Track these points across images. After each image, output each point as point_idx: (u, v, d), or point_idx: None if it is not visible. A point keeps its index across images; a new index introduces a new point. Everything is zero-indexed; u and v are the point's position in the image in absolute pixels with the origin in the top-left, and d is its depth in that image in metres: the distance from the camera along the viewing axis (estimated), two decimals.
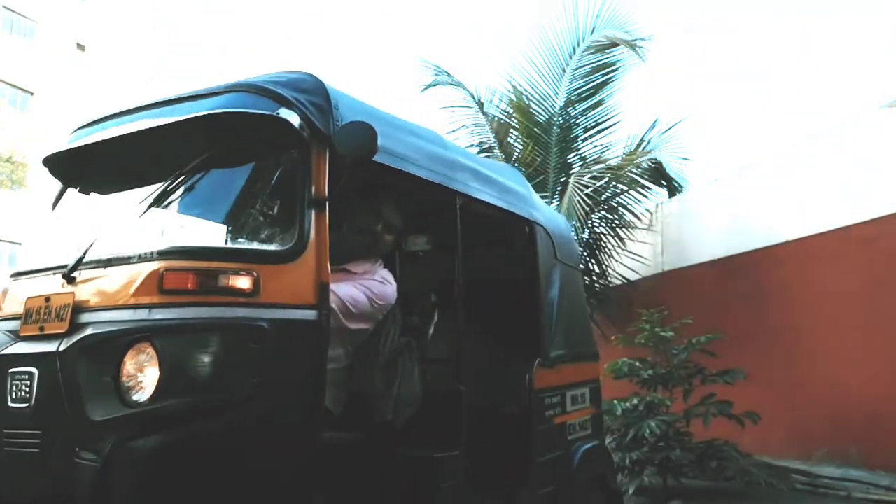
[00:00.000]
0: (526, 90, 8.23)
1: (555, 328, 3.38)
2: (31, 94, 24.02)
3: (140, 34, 28.07)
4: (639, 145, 7.69)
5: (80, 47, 26.17)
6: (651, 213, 8.05)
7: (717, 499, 5.44)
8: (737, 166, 7.57)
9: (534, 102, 8.24)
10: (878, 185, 5.88)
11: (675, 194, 8.01)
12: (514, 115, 8.37)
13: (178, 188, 2.25)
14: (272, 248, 2.14)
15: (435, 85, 8.45)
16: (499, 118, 8.50)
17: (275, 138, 2.23)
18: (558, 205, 7.47)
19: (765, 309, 6.67)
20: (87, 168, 2.66)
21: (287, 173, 2.27)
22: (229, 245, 2.24)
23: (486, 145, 8.42)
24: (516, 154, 8.22)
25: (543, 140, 8.08)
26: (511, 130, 8.42)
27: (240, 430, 1.91)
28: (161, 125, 2.31)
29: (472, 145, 8.27)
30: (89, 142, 2.50)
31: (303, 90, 2.27)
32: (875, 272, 5.84)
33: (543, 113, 8.21)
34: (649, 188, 7.58)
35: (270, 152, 2.34)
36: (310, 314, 2.09)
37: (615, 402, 5.64)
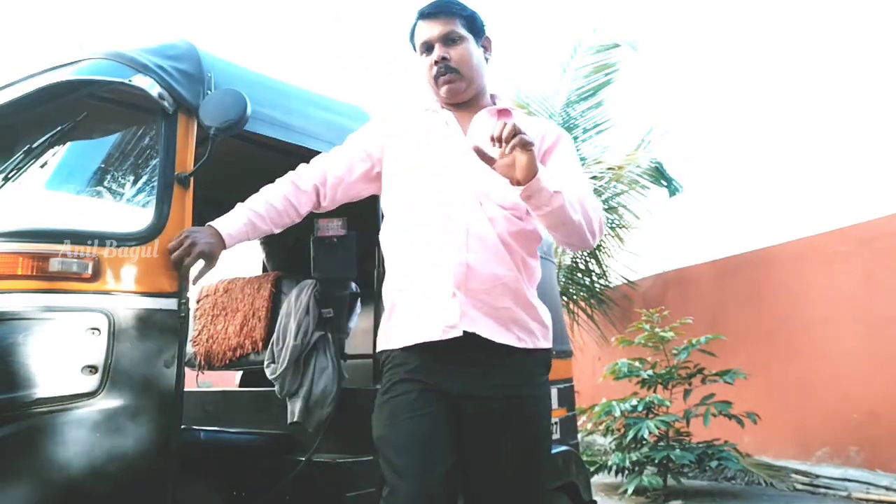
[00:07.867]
0: (526, 89, 8.24)
1: None
2: None
3: (140, 35, 28.10)
4: (639, 145, 7.69)
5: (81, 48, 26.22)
6: (651, 214, 8.06)
7: (717, 499, 5.44)
8: (737, 166, 7.58)
9: (534, 102, 8.25)
10: (877, 185, 5.89)
11: (675, 194, 8.01)
12: None
13: (28, 165, 2.06)
14: (119, 229, 1.90)
15: None
16: None
17: (132, 108, 2.05)
18: None
19: (765, 309, 6.67)
20: None
21: (146, 147, 2.07)
22: (69, 227, 1.98)
23: None
24: None
25: None
26: None
27: (77, 427, 1.74)
28: (14, 100, 2.15)
29: None
30: None
31: (169, 56, 2.06)
32: (874, 272, 5.85)
33: (543, 112, 8.22)
34: (649, 188, 7.59)
35: (127, 124, 2.14)
36: (165, 303, 1.88)
37: (614, 402, 5.64)
